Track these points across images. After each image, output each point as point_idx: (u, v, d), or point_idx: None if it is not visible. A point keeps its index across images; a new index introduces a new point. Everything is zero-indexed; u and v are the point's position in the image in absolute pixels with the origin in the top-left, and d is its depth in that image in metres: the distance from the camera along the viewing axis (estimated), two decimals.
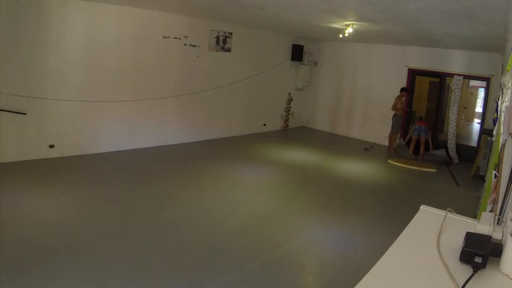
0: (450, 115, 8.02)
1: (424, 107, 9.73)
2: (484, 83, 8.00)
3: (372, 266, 0.87)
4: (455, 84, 7.86)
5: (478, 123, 7.99)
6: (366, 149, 8.50)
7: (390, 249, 0.96)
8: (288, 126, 10.09)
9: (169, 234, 3.76)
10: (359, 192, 5.57)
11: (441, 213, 1.18)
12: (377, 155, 8.16)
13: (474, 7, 3.83)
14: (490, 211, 1.79)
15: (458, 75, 7.84)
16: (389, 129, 8.56)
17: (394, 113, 8.33)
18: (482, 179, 6.19)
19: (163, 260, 3.24)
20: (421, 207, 1.24)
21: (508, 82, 2.31)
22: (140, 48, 6.44)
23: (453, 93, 7.91)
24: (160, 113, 6.99)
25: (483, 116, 7.84)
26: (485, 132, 6.90)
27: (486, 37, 5.61)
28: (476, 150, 7.77)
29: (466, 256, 0.86)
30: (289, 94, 9.93)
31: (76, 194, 4.50)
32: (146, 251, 3.36)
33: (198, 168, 6.01)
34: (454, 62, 7.93)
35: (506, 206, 1.26)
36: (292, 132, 9.82)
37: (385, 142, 8.91)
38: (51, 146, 5.69)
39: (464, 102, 10.74)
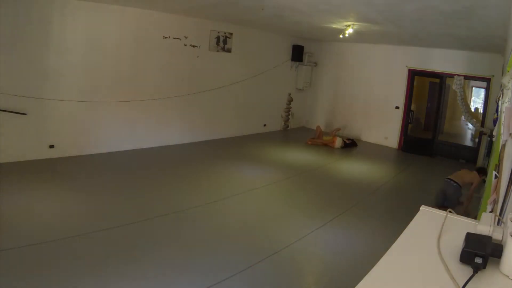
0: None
1: (424, 107, 9.73)
2: (483, 84, 8.00)
3: (373, 267, 0.87)
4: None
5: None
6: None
7: (390, 249, 0.95)
8: (288, 126, 10.08)
9: (169, 233, 3.76)
10: (359, 192, 5.57)
11: (441, 213, 1.18)
12: (376, 155, 8.16)
13: (474, 7, 3.83)
14: (490, 212, 1.79)
15: (459, 75, 7.84)
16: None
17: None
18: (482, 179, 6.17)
19: (163, 260, 3.23)
20: (421, 208, 1.23)
21: (508, 82, 2.30)
22: (140, 48, 6.44)
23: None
24: (160, 114, 6.98)
25: (483, 116, 7.85)
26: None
27: (486, 38, 5.61)
28: (476, 150, 7.78)
29: (466, 257, 0.86)
30: (289, 94, 9.93)
31: (76, 194, 4.50)
32: (145, 251, 3.36)
33: (198, 168, 6.01)
34: (454, 62, 7.92)
35: (506, 207, 1.26)
36: (292, 133, 9.82)
37: (385, 143, 8.97)
38: (51, 146, 5.69)
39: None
